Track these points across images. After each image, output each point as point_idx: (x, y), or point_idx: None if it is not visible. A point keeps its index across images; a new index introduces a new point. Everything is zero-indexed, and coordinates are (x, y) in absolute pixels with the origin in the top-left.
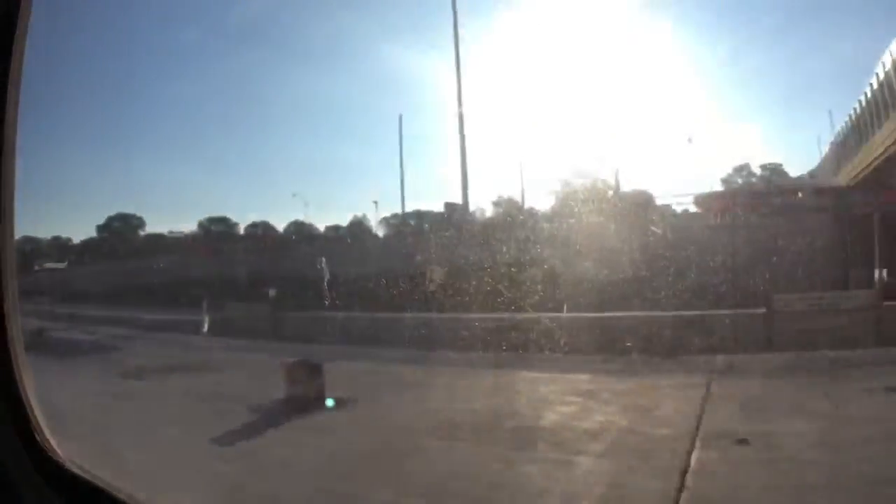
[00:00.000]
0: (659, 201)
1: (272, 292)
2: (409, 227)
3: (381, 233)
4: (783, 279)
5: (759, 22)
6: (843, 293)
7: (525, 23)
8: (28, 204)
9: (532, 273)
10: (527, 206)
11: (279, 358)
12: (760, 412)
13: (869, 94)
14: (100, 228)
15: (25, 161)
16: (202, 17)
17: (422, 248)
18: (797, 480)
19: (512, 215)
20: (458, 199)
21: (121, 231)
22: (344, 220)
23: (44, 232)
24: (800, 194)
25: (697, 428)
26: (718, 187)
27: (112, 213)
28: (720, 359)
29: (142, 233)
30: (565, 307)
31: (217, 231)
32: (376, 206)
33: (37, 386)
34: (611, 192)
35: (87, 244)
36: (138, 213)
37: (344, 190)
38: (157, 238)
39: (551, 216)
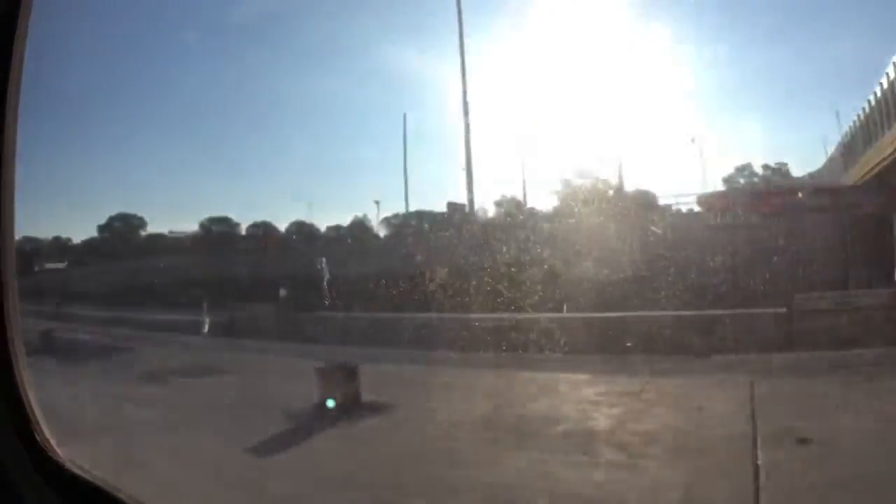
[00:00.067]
0: (664, 201)
1: (282, 292)
2: (411, 227)
3: (382, 233)
4: (797, 278)
5: (761, 21)
6: (865, 292)
7: (526, 23)
8: (28, 204)
9: (552, 273)
10: (536, 206)
11: (301, 360)
12: (810, 411)
13: (878, 94)
14: (101, 228)
15: (25, 161)
16: (204, 17)
17: (431, 248)
18: (871, 477)
19: (528, 215)
20: (459, 199)
21: (122, 231)
22: (345, 220)
23: (44, 232)
24: (809, 194)
25: (754, 428)
26: (722, 187)
27: (113, 212)
28: (753, 358)
29: (143, 233)
30: (584, 308)
31: (218, 231)
32: (378, 207)
33: (54, 393)
34: (618, 192)
35: (88, 244)
36: (139, 213)
37: (345, 190)
38: (158, 238)
39: (566, 215)
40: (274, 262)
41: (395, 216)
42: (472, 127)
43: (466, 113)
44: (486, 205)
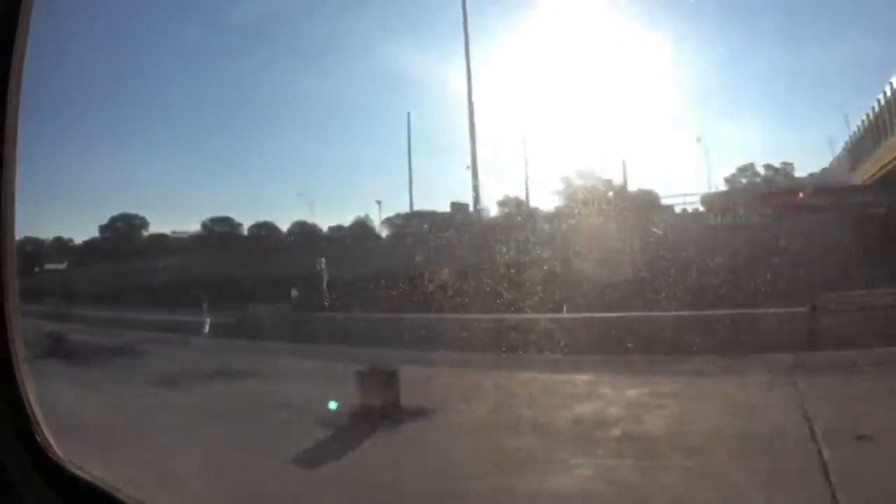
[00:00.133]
0: (674, 201)
1: (294, 293)
2: (419, 227)
3: (383, 233)
4: (819, 278)
5: (763, 20)
6: (888, 290)
7: (528, 23)
8: (29, 204)
9: (578, 273)
10: (543, 206)
11: (322, 362)
12: (859, 408)
13: (889, 93)
14: (102, 229)
15: (26, 161)
16: (206, 17)
17: (444, 248)
18: None
19: (536, 215)
20: (460, 199)
21: (124, 231)
22: (346, 220)
23: (45, 233)
24: (829, 193)
25: (811, 427)
26: (724, 187)
27: (114, 213)
28: (787, 357)
29: (145, 233)
30: (607, 307)
31: (220, 231)
32: (380, 207)
33: (73, 400)
34: (640, 194)
35: (89, 244)
36: (140, 214)
37: (346, 190)
38: (161, 238)
39: (578, 214)
40: (279, 262)
41: (397, 216)
42: (474, 126)
43: (472, 112)
44: (486, 204)
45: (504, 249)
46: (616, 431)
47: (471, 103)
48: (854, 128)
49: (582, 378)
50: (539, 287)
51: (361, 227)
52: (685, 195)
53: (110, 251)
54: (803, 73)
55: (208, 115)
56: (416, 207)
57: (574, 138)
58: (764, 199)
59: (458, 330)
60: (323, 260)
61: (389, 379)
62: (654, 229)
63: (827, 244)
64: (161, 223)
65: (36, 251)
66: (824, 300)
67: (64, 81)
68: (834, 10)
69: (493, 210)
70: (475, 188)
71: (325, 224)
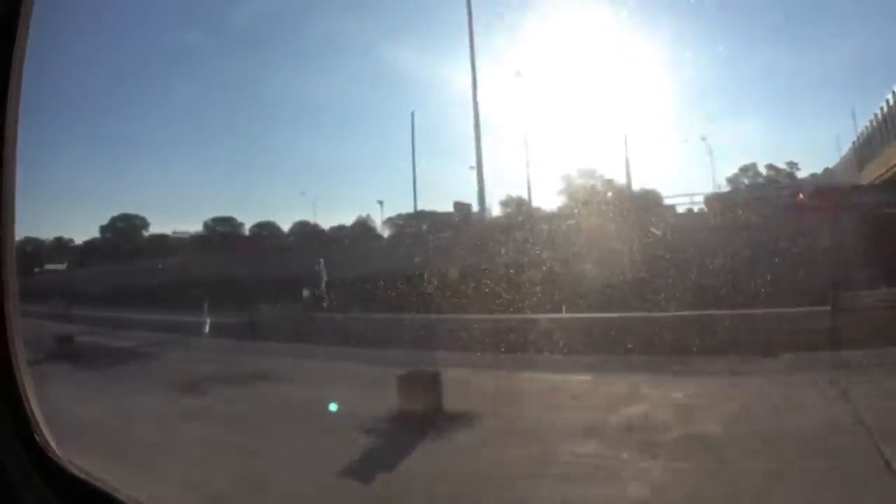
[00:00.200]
0: (680, 200)
1: (306, 293)
2: (425, 226)
3: (385, 233)
4: (839, 276)
5: (764, 20)
6: None
7: (531, 22)
8: (29, 204)
9: (601, 273)
10: (549, 206)
11: (344, 363)
12: None
13: None
14: (103, 229)
15: (26, 161)
16: (207, 17)
17: (455, 247)
18: None
19: (543, 216)
20: (462, 199)
21: (124, 231)
22: (349, 220)
23: (45, 233)
24: (850, 193)
25: (866, 425)
26: (732, 186)
27: (115, 213)
28: (820, 356)
29: (146, 233)
30: (627, 307)
31: (222, 231)
32: (381, 207)
33: (94, 408)
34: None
35: (90, 245)
36: (141, 214)
37: (349, 190)
38: (162, 238)
39: (603, 213)
40: (283, 262)
41: (399, 216)
42: (479, 126)
43: (476, 112)
44: (488, 204)
45: (531, 247)
46: (674, 434)
47: (475, 102)
48: (861, 127)
49: (618, 379)
50: (571, 286)
51: (363, 227)
52: (692, 194)
53: (111, 251)
54: (806, 72)
55: (210, 114)
56: (421, 207)
57: (577, 138)
58: (794, 199)
59: (479, 331)
60: (322, 260)
61: (432, 382)
62: (683, 232)
63: (849, 244)
64: (162, 223)
65: (36, 251)
66: (846, 299)
67: (64, 82)
68: (839, 7)
69: (494, 210)
70: (480, 187)
71: (326, 224)
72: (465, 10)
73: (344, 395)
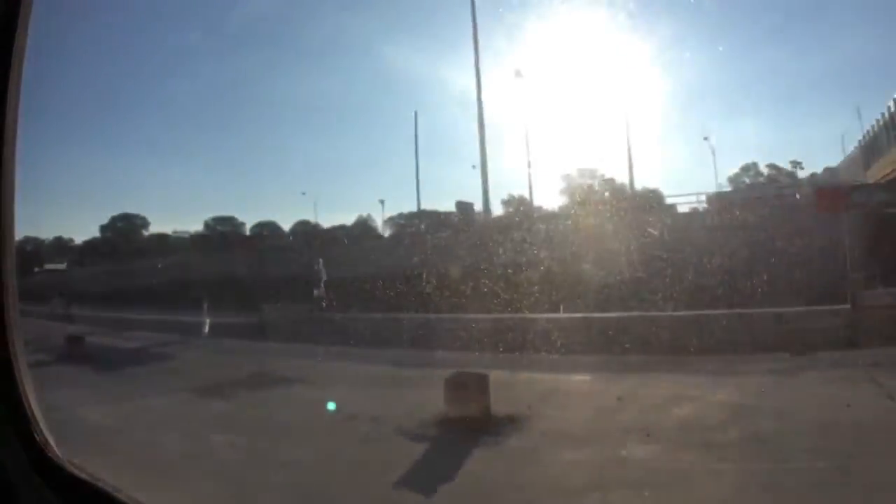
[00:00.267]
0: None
1: (315, 292)
2: (424, 225)
3: (386, 233)
4: (856, 275)
5: (764, 19)
6: None
7: (530, 24)
8: (29, 204)
9: (625, 274)
10: (547, 206)
11: (364, 365)
12: None
13: None
14: (103, 228)
15: (26, 161)
16: (208, 17)
17: (465, 247)
18: None
19: (577, 213)
20: (464, 199)
21: (125, 231)
22: (349, 220)
23: (45, 232)
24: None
25: None
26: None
27: (115, 212)
28: (851, 354)
29: (146, 232)
30: (646, 307)
31: (223, 231)
32: (383, 206)
33: (116, 417)
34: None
35: (90, 244)
36: (141, 213)
37: (350, 189)
38: (162, 238)
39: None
40: (285, 262)
41: (400, 215)
42: (483, 126)
43: (481, 112)
44: (490, 204)
45: (558, 245)
46: (732, 434)
47: (480, 102)
48: (867, 127)
49: (661, 378)
50: (600, 286)
51: (364, 226)
52: (696, 193)
53: (111, 251)
54: (807, 72)
55: (211, 114)
56: (423, 207)
57: (578, 138)
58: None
59: (503, 331)
60: (321, 260)
61: (480, 384)
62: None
63: (870, 243)
64: (162, 223)
65: (36, 251)
66: (864, 298)
67: (64, 81)
68: (840, 7)
69: (495, 209)
70: (484, 187)
71: (327, 223)
72: (466, 11)
73: (367, 399)
